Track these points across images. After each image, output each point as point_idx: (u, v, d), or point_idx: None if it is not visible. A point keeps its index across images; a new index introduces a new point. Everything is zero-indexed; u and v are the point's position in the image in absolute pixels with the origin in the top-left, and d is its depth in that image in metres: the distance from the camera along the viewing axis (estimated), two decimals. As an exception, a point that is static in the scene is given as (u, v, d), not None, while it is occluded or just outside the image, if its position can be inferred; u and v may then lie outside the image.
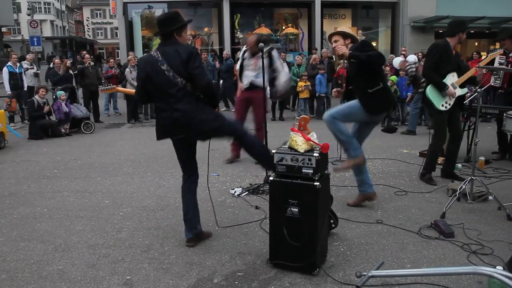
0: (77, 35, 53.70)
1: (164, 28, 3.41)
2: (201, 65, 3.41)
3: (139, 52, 15.54)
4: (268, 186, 3.82)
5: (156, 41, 17.20)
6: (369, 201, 4.58)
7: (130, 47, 16.21)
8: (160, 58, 3.35)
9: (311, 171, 3.09)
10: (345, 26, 18.19)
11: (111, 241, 3.84)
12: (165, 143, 8.02)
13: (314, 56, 12.36)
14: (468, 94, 6.01)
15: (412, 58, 11.08)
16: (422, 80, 7.56)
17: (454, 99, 5.13)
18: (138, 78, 3.71)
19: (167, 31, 3.39)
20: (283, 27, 17.81)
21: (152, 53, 3.49)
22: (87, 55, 11.73)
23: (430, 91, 5.18)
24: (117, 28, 21.12)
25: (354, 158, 4.33)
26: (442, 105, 5.12)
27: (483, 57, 10.25)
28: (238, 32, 17.35)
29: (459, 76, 5.19)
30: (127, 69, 10.66)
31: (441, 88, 5.08)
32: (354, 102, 4.32)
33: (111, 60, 12.47)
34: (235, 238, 3.85)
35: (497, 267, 2.49)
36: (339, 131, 4.31)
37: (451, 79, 5.13)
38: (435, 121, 5.42)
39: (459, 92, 5.18)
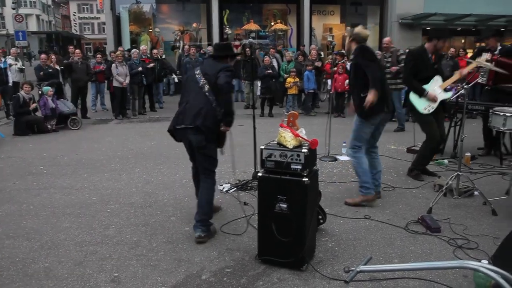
0: (63, 30, 53.04)
1: (223, 51, 4.01)
2: (229, 74, 3.71)
3: (126, 48, 15.38)
4: (256, 182, 3.82)
5: (145, 37, 17.07)
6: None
7: (118, 42, 16.05)
8: (198, 67, 3.93)
9: (300, 167, 3.09)
10: (334, 22, 18.26)
11: (98, 238, 3.81)
12: (153, 140, 8.04)
13: (312, 52, 12.33)
14: (453, 89, 6.07)
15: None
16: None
17: (437, 104, 5.17)
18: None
19: (225, 55, 3.94)
20: (272, 23, 17.78)
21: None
22: (77, 50, 11.57)
23: (412, 96, 5.27)
24: (104, 23, 20.91)
25: (365, 195, 4.49)
26: (425, 109, 5.18)
27: (469, 55, 10.37)
28: (227, 28, 17.27)
29: (444, 80, 5.25)
30: (113, 65, 10.55)
31: (421, 94, 5.16)
32: (354, 123, 4.48)
33: (98, 55, 12.31)
34: (223, 234, 3.85)
35: (482, 261, 2.53)
36: (359, 165, 4.47)
37: (436, 83, 5.19)
38: (422, 125, 5.42)
39: (443, 96, 5.22)
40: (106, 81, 11.72)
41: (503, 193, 4.74)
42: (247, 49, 11.82)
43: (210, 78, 3.68)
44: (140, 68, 10.93)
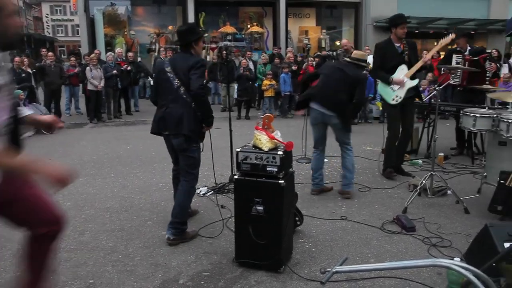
0: (36, 32, 51.87)
1: (184, 38, 3.77)
2: (200, 73, 3.64)
3: (101, 51, 15.15)
4: (233, 185, 3.81)
5: (119, 40, 16.85)
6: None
7: (92, 45, 15.80)
8: (166, 62, 3.80)
9: (276, 169, 3.10)
10: (309, 25, 18.42)
11: (73, 245, 3.73)
12: (129, 144, 7.94)
13: (288, 55, 12.40)
14: (425, 90, 6.19)
15: (371, 58, 11.32)
16: None
17: (404, 92, 5.28)
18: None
19: (186, 41, 3.74)
20: (248, 26, 17.81)
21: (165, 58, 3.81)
22: (50, 53, 11.32)
23: (381, 88, 5.50)
24: (78, 26, 20.54)
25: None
26: (393, 99, 5.32)
27: (441, 56, 10.59)
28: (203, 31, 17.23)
29: (409, 68, 5.37)
30: (87, 68, 10.39)
31: (387, 81, 5.34)
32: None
33: (72, 58, 12.10)
34: (200, 238, 3.82)
35: (455, 258, 2.59)
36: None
37: (401, 72, 5.32)
38: (388, 116, 5.72)
39: (409, 83, 5.31)
40: (80, 85, 11.52)
41: (475, 192, 4.86)
42: (224, 52, 11.82)
43: (182, 77, 3.61)
44: (115, 71, 10.79)
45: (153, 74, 10.02)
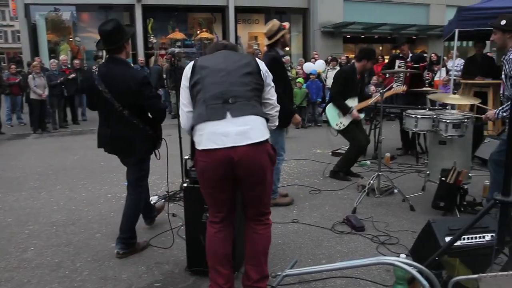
0: (-28, 39, 49.13)
1: (114, 40, 3.22)
2: (154, 96, 3.37)
3: (45, 58, 14.59)
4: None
5: (64, 46, 16.28)
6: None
7: (35, 52, 15.16)
8: (97, 77, 3.22)
9: (226, 175, 3.08)
10: (259, 30, 18.60)
11: (14, 263, 3.54)
12: (76, 154, 7.66)
13: None
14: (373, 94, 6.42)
15: (320, 62, 11.63)
16: None
17: (348, 122, 5.47)
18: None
19: (118, 44, 3.24)
20: (198, 32, 17.76)
21: (92, 68, 3.33)
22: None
23: (329, 111, 5.61)
24: (19, 32, 19.64)
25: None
26: (337, 124, 5.49)
27: (386, 60, 11.02)
28: (152, 37, 16.97)
29: (359, 101, 5.61)
30: (30, 76, 9.96)
31: (346, 111, 5.46)
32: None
33: (12, 65, 11.55)
34: (151, 248, 3.74)
35: (401, 255, 2.68)
36: None
37: (351, 103, 5.50)
38: (344, 135, 5.71)
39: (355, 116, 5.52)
40: (22, 94, 11.02)
41: (420, 190, 5.06)
42: (173, 59, 11.68)
43: (124, 99, 3.22)
44: (59, 80, 10.41)
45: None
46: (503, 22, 3.68)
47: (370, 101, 5.54)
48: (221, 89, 2.48)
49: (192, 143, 2.57)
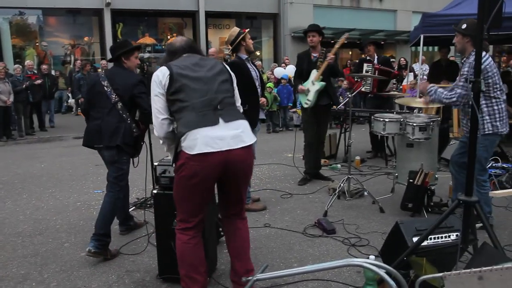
0: None
1: (113, 53, 3.84)
2: (146, 91, 3.61)
3: (9, 63, 14.15)
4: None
5: (30, 51, 15.87)
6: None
7: (-1, 57, 14.71)
8: (103, 75, 3.77)
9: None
10: (230, 36, 18.59)
11: (-22, 275, 3.42)
12: (43, 162, 7.47)
13: None
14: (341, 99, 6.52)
15: (291, 67, 11.74)
16: None
17: (312, 95, 5.44)
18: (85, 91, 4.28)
19: (116, 55, 3.80)
20: (168, 37, 17.62)
21: (98, 71, 3.69)
22: None
23: (300, 96, 5.84)
24: (-18, 36, 18.99)
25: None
26: (305, 103, 5.53)
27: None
28: (122, 42, 16.74)
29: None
30: (-5, 82, 9.66)
31: (295, 90, 5.84)
32: None
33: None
34: (122, 256, 3.68)
35: (370, 256, 2.73)
36: None
37: (312, 76, 5.54)
38: (303, 122, 5.98)
39: (316, 86, 5.42)
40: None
41: (389, 192, 5.17)
42: (143, 64, 11.58)
43: (121, 93, 3.66)
44: (25, 85, 10.14)
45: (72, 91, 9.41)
46: (464, 26, 3.80)
47: (325, 65, 5.35)
48: (208, 96, 2.60)
49: (176, 150, 2.60)
